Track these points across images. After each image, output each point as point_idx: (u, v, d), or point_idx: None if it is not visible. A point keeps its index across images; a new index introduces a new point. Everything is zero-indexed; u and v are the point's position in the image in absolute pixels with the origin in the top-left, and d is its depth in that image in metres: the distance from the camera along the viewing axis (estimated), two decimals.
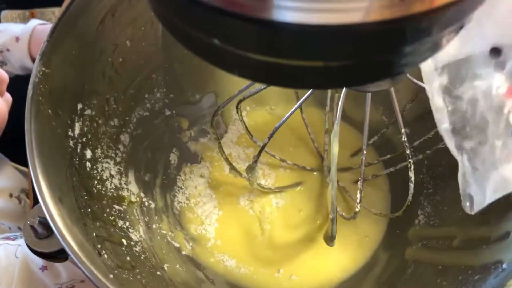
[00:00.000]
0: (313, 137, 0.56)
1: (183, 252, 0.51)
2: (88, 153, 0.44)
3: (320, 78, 0.22)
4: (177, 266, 0.48)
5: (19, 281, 0.46)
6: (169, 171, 0.56)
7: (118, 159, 0.49)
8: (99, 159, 0.46)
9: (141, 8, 0.47)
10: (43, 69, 0.39)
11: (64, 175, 0.40)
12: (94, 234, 0.39)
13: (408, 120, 0.52)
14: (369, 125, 0.43)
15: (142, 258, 0.44)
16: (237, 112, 0.46)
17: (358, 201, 0.45)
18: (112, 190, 0.47)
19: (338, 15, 0.17)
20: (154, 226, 0.50)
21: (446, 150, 0.34)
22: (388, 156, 0.53)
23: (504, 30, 0.27)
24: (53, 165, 0.38)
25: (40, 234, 0.36)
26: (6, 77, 0.51)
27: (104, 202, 0.45)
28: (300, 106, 0.44)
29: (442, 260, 0.45)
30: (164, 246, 0.49)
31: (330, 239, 0.43)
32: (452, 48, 0.30)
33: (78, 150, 0.43)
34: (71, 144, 0.42)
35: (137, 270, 0.41)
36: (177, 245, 0.51)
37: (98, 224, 0.41)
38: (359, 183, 0.45)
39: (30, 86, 0.38)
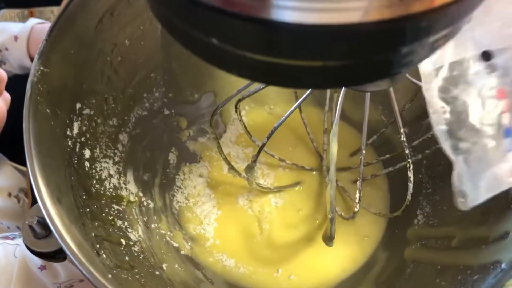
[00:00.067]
0: (312, 136, 0.56)
1: (182, 252, 0.51)
2: (87, 153, 0.44)
3: (319, 78, 0.22)
4: (176, 265, 0.48)
5: (18, 280, 0.46)
6: (168, 170, 0.56)
7: (117, 159, 0.49)
8: (98, 159, 0.46)
9: (140, 7, 0.47)
10: (42, 68, 0.39)
11: (63, 175, 0.40)
12: (93, 233, 0.39)
13: (407, 120, 0.52)
14: (368, 125, 0.43)
15: (140, 257, 0.44)
16: (236, 111, 0.46)
17: (357, 201, 0.45)
18: (111, 190, 0.47)
19: (337, 14, 0.17)
20: (153, 225, 0.50)
21: None
22: (387, 155, 0.53)
23: (495, 35, 0.28)
24: (52, 165, 0.38)
25: (39, 234, 0.36)
26: (4, 76, 0.51)
27: (103, 201, 0.45)
28: (299, 106, 0.44)
29: (441, 260, 0.45)
30: (163, 245, 0.49)
31: (329, 239, 0.43)
32: (446, 51, 0.30)
33: (77, 150, 0.43)
34: (69, 143, 0.42)
35: (136, 270, 0.41)
36: (176, 244, 0.51)
37: (96, 223, 0.41)
38: (358, 182, 0.45)
39: (28, 86, 0.38)
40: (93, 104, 0.45)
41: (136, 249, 0.44)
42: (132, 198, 0.49)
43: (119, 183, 0.48)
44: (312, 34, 0.18)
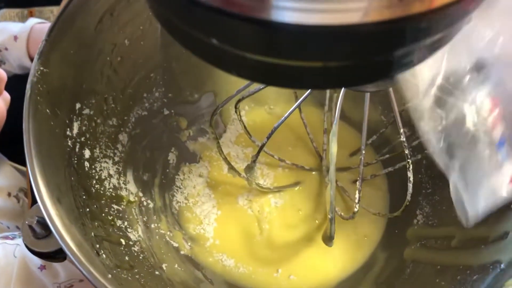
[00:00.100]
0: (312, 136, 0.56)
1: (182, 252, 0.51)
2: (87, 153, 0.44)
3: (319, 79, 0.22)
4: (176, 265, 0.48)
5: (18, 280, 0.46)
6: (167, 170, 0.56)
7: (116, 159, 0.49)
8: (98, 159, 0.46)
9: (139, 7, 0.47)
10: (41, 68, 0.39)
11: (63, 175, 0.40)
12: (93, 234, 0.39)
13: (406, 120, 0.51)
14: (368, 125, 0.43)
15: (140, 257, 0.44)
16: (235, 111, 0.46)
17: (356, 201, 0.45)
18: (111, 190, 0.47)
19: (337, 15, 0.17)
20: (152, 225, 0.50)
21: None
22: (387, 156, 0.53)
23: (487, 46, 0.28)
24: (52, 165, 0.38)
25: (38, 234, 0.36)
26: (4, 76, 0.50)
27: (103, 201, 0.45)
28: (299, 106, 0.44)
29: (440, 260, 0.45)
30: (163, 245, 0.49)
31: (328, 239, 0.43)
32: (436, 65, 0.30)
33: (77, 150, 0.43)
34: (69, 143, 0.42)
35: (136, 270, 0.41)
36: (175, 244, 0.51)
37: (96, 223, 0.41)
38: (357, 183, 0.45)
39: (28, 86, 0.38)
40: (93, 104, 0.45)
41: (136, 249, 0.44)
42: (132, 198, 0.49)
43: (118, 183, 0.48)
44: (312, 35, 0.18)
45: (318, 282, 0.50)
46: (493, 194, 0.31)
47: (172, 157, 0.57)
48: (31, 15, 0.86)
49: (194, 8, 0.18)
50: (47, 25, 0.71)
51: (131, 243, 0.44)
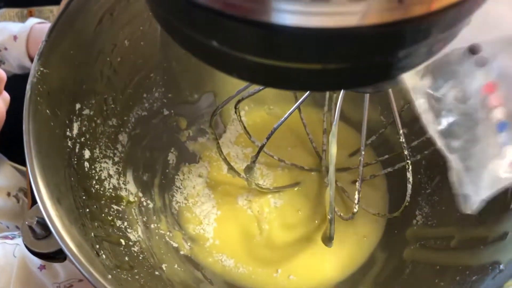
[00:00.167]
0: (312, 137, 0.56)
1: (181, 252, 0.51)
2: (86, 153, 0.44)
3: (318, 81, 0.22)
4: (175, 266, 0.48)
5: (17, 280, 0.46)
6: (167, 170, 0.56)
7: (116, 159, 0.49)
8: (97, 159, 0.46)
9: (139, 7, 0.47)
10: (41, 69, 0.39)
11: (62, 175, 0.40)
12: (93, 234, 0.39)
13: (406, 121, 0.52)
14: (367, 125, 0.43)
15: (140, 258, 0.44)
16: (235, 112, 0.46)
17: (356, 201, 0.45)
18: (111, 190, 0.47)
19: (337, 18, 0.17)
20: (152, 226, 0.50)
21: None
22: (386, 156, 0.53)
23: (482, 27, 0.27)
24: (51, 165, 0.38)
25: (38, 235, 0.36)
26: (4, 76, 0.50)
27: (103, 202, 0.45)
28: (298, 107, 0.44)
29: (440, 260, 0.45)
30: (163, 246, 0.49)
31: (328, 240, 0.43)
32: None
33: (76, 150, 0.43)
34: (69, 144, 0.42)
35: (136, 270, 0.41)
36: (175, 245, 0.51)
37: (96, 224, 0.41)
38: (357, 183, 0.45)
39: (28, 86, 0.38)
40: (93, 104, 0.45)
41: (135, 250, 0.44)
42: (131, 198, 0.49)
43: (118, 183, 0.48)
44: (312, 38, 0.18)
45: (317, 282, 0.50)
46: (496, 178, 0.31)
47: (171, 157, 0.57)
48: (30, 14, 0.86)
49: (194, 10, 0.18)
50: (46, 25, 0.71)
51: (131, 243, 0.44)
